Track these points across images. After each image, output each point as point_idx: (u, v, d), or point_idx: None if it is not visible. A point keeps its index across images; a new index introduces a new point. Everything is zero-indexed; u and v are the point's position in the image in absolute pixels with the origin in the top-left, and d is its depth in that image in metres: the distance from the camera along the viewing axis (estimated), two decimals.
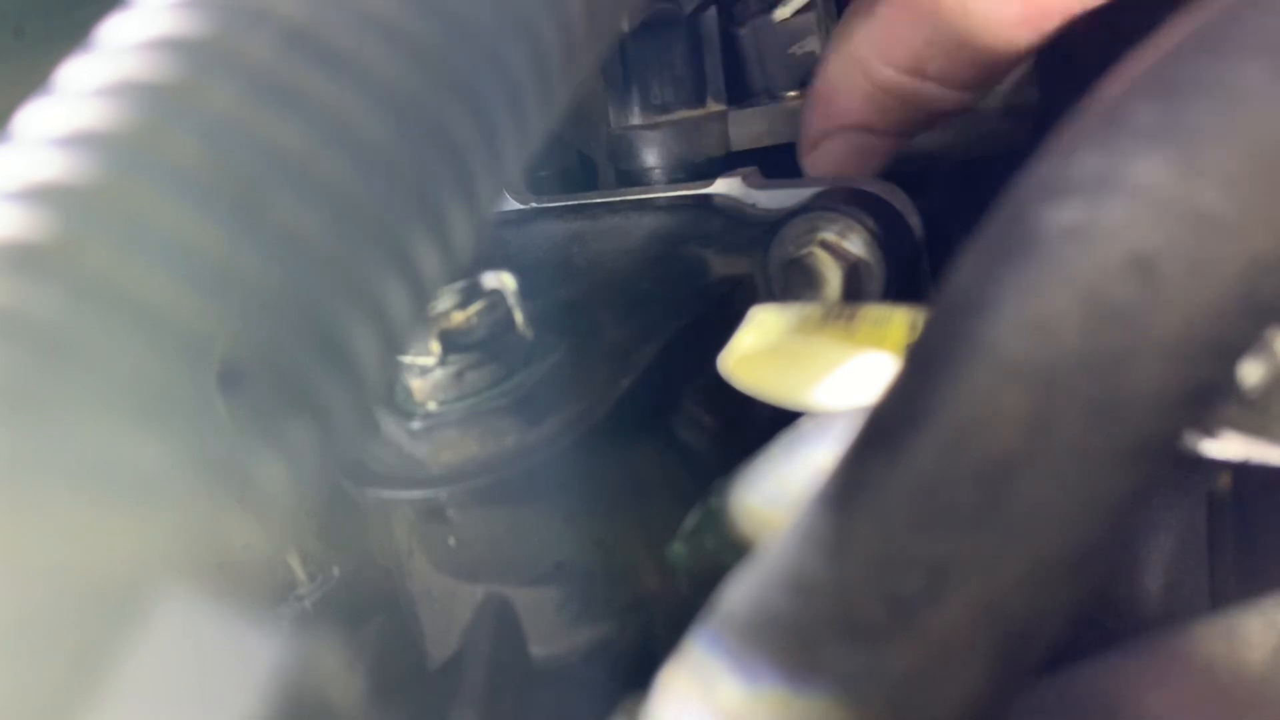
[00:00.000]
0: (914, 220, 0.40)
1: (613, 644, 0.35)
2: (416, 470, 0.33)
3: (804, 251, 0.40)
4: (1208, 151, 0.16)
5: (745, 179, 0.42)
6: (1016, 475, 0.17)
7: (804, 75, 0.45)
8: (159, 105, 0.16)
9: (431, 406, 0.33)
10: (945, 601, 0.17)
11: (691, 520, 0.28)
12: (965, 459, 0.17)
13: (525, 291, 0.33)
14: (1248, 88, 0.16)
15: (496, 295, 0.33)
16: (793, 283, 0.40)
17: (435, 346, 0.32)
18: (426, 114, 0.18)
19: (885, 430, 0.18)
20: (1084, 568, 0.17)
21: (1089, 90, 0.18)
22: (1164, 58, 0.18)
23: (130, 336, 0.15)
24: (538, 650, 0.34)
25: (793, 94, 0.46)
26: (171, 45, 0.17)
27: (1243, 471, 0.33)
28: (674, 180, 0.46)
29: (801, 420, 0.25)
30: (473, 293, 0.33)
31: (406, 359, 0.33)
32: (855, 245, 0.39)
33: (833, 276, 0.40)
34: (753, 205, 0.42)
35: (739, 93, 0.47)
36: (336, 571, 0.41)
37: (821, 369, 0.26)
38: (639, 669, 0.21)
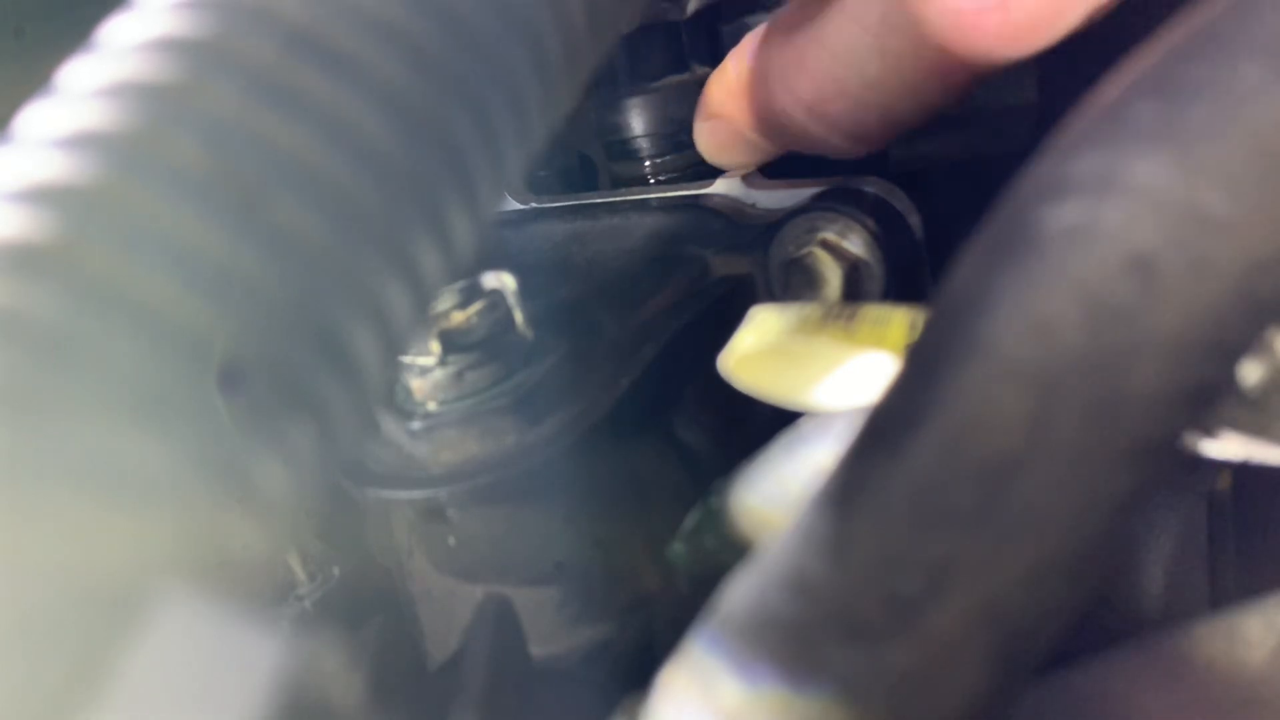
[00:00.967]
0: (914, 220, 0.40)
1: (613, 644, 0.35)
2: (416, 470, 0.33)
3: (804, 251, 0.40)
4: (1208, 151, 0.16)
5: (745, 179, 0.42)
6: (1016, 475, 0.17)
7: None
8: (159, 106, 0.16)
9: (431, 406, 0.33)
10: (945, 601, 0.17)
11: (691, 520, 0.29)
12: (965, 459, 0.17)
13: (525, 291, 0.33)
14: (1248, 87, 0.16)
15: (496, 295, 0.33)
16: (793, 283, 0.40)
17: (435, 346, 0.32)
18: (427, 115, 0.18)
19: (885, 430, 0.18)
20: (1084, 568, 0.17)
21: (1089, 90, 0.18)
22: (1164, 58, 0.18)
23: (131, 337, 0.15)
24: (538, 650, 0.34)
25: None
26: (172, 46, 0.17)
27: (1243, 471, 0.33)
28: (662, 155, 0.46)
29: (801, 420, 0.25)
30: (473, 293, 0.33)
31: (406, 359, 0.33)
32: (855, 245, 0.39)
33: (833, 276, 0.40)
34: (752, 205, 0.42)
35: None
36: (336, 571, 0.41)
37: (821, 369, 0.26)
38: (639, 669, 0.21)
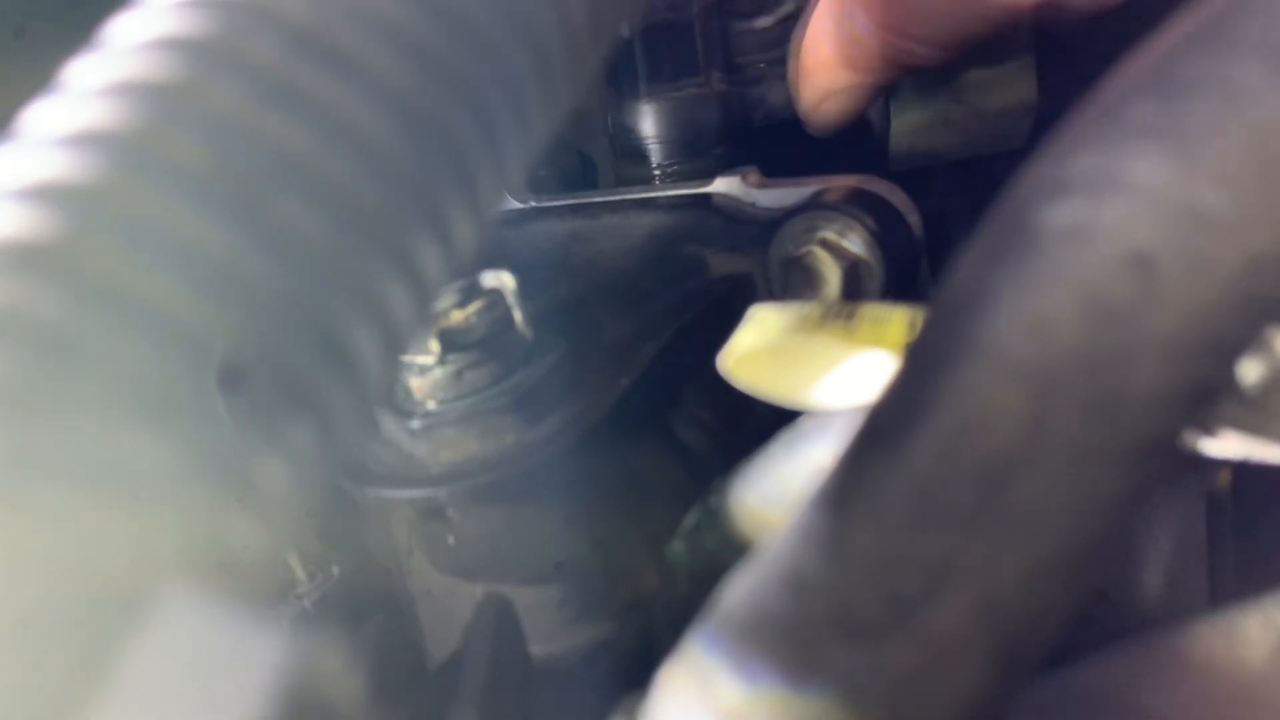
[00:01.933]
0: (914, 220, 0.40)
1: (612, 643, 0.35)
2: (416, 470, 0.33)
3: (803, 250, 0.40)
4: (1207, 151, 0.16)
5: (745, 178, 0.42)
6: (1015, 474, 0.17)
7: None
8: (162, 106, 0.16)
9: (431, 405, 0.33)
10: (944, 601, 0.17)
11: (691, 519, 0.29)
12: (964, 458, 0.17)
13: (525, 291, 0.33)
14: (1247, 87, 0.16)
15: (496, 294, 0.33)
16: (792, 282, 0.40)
17: (435, 345, 0.32)
18: (429, 115, 0.18)
19: (884, 429, 0.18)
20: (1083, 568, 0.17)
21: (1089, 90, 0.18)
22: (1163, 57, 0.18)
23: (132, 336, 0.15)
24: (537, 649, 0.34)
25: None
26: (175, 45, 0.17)
27: (1243, 471, 0.33)
28: (674, 157, 0.46)
29: (801, 419, 0.25)
30: (472, 292, 0.33)
31: (406, 358, 0.33)
32: (855, 244, 0.39)
33: (832, 275, 0.40)
34: (752, 204, 0.42)
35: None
36: (336, 571, 0.41)
37: (821, 368, 0.26)
38: (638, 668, 0.21)
